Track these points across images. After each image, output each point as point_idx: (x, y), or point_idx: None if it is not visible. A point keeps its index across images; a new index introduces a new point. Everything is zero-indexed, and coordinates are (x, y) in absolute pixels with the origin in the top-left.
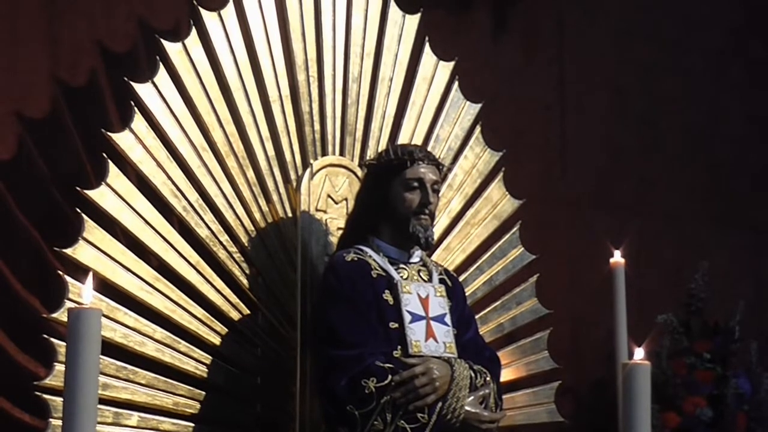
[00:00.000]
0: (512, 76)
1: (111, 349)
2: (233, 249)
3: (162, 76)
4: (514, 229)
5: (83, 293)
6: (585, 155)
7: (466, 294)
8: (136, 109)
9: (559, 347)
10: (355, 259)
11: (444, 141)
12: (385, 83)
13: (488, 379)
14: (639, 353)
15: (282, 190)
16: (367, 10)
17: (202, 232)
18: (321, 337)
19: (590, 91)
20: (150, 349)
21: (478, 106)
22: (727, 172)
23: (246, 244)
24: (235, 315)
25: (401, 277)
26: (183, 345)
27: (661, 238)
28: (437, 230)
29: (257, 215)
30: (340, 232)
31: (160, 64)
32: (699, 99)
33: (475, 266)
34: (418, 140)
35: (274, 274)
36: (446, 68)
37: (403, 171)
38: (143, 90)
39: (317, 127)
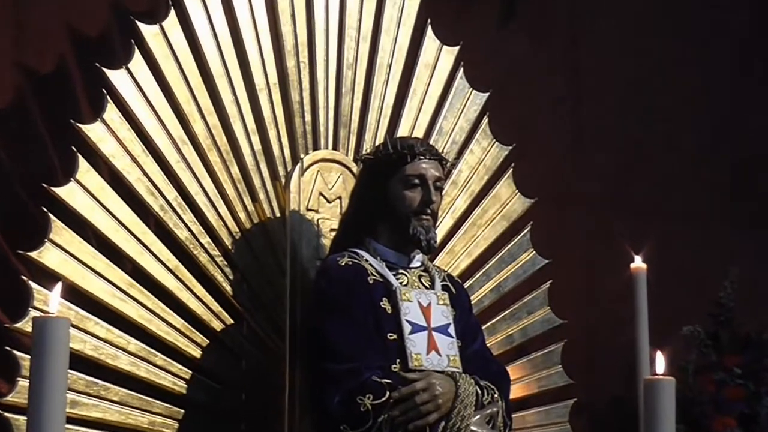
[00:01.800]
0: (522, 64)
1: (80, 362)
2: (215, 252)
3: (137, 62)
4: (525, 230)
5: (50, 301)
6: (601, 151)
7: (472, 302)
8: (108, 98)
9: (574, 361)
10: (350, 263)
11: (448, 134)
12: (383, 70)
13: (496, 395)
14: (662, 368)
15: (269, 187)
16: None
17: (182, 233)
18: (312, 349)
19: (606, 82)
20: (123, 362)
21: (486, 95)
22: (755, 169)
23: (230, 247)
24: (217, 325)
25: (400, 283)
26: (160, 358)
27: (686, 242)
28: (440, 232)
29: (242, 215)
30: (333, 233)
31: (136, 48)
32: (722, 91)
33: (481, 272)
34: (419, 133)
35: (261, 280)
36: (450, 54)
37: (402, 167)
38: (116, 77)
39: (308, 118)
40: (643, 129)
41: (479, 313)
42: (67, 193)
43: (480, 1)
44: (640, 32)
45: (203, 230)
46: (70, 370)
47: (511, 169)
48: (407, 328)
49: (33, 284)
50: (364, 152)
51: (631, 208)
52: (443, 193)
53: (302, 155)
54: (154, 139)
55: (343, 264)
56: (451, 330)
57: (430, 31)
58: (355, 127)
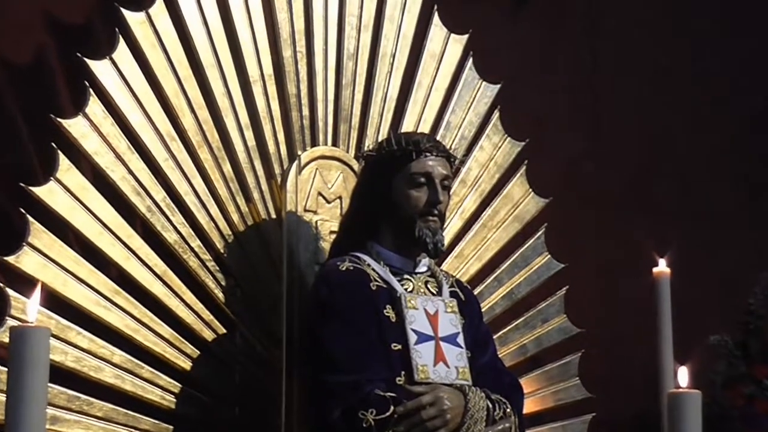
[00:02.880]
0: (536, 53)
1: (61, 375)
2: (206, 256)
3: (122, 52)
4: (539, 232)
5: (28, 309)
6: (621, 146)
7: (483, 310)
8: (91, 90)
9: (593, 373)
10: (351, 268)
11: (456, 128)
12: (386, 60)
13: (508, 410)
14: (687, 380)
15: (264, 186)
16: None
17: (170, 236)
18: (310, 360)
19: (626, 72)
20: (108, 375)
21: (497, 87)
22: None
23: (222, 251)
24: (208, 335)
25: (405, 289)
26: (147, 370)
27: (712, 244)
28: (448, 234)
29: (235, 216)
30: (333, 236)
31: (120, 37)
32: (754, 82)
33: (492, 277)
34: (425, 128)
35: (255, 286)
36: (458, 43)
37: (407, 164)
38: (100, 68)
39: (306, 112)
40: (666, 123)
41: (490, 321)
42: (47, 193)
43: None
44: (664, 18)
45: (193, 233)
46: (50, 384)
47: (525, 167)
48: (413, 337)
49: (10, 291)
50: (366, 149)
51: (653, 207)
52: (451, 193)
53: (299, 152)
54: (140, 135)
55: (343, 269)
56: (460, 340)
57: (436, 18)
58: (356, 121)
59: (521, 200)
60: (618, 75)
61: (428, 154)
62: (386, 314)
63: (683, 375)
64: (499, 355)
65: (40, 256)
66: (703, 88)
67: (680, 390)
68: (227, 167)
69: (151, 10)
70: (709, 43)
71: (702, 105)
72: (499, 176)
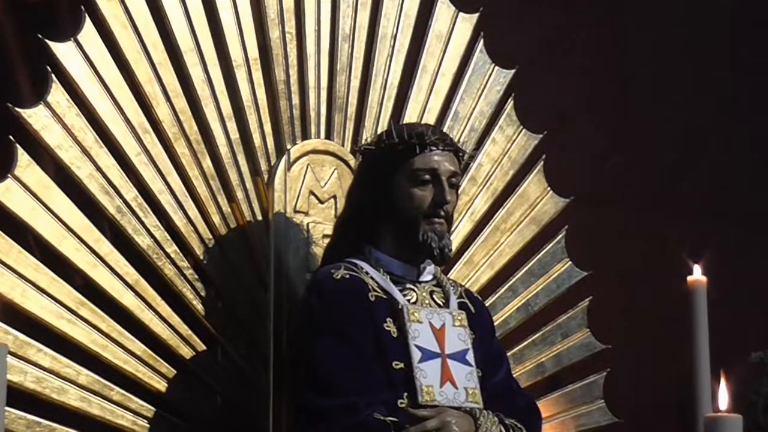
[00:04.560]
0: (555, 35)
1: (20, 398)
2: (184, 264)
3: (88, 33)
4: (559, 236)
5: None
6: (651, 140)
7: (495, 323)
8: (53, 76)
9: (619, 394)
10: (347, 276)
11: (465, 119)
12: (386, 42)
13: None
14: (726, 403)
15: (249, 184)
16: None
17: (143, 240)
18: (302, 380)
19: (657, 56)
20: (72, 397)
21: (511, 72)
22: None
23: (201, 257)
24: (186, 352)
25: (408, 300)
26: (116, 392)
27: (753, 249)
28: (456, 238)
29: (216, 218)
30: (327, 240)
31: (86, 16)
32: None
33: (506, 286)
34: (430, 119)
35: (239, 297)
36: (468, 22)
37: (410, 160)
38: (63, 51)
39: (296, 101)
40: (701, 113)
41: (504, 336)
42: (4, 191)
43: None
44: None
45: (169, 237)
46: (7, 408)
47: (542, 162)
48: (416, 354)
49: None
50: (363, 142)
51: (687, 208)
52: (459, 192)
53: (288, 146)
54: (109, 127)
55: (338, 277)
56: (470, 357)
57: None
58: (352, 111)
59: (538, 200)
60: (647, 59)
61: (434, 147)
62: (386, 328)
63: (722, 397)
64: (514, 375)
65: None
66: (741, 74)
67: (719, 414)
68: (207, 163)
69: None
70: (750, 24)
71: (740, 93)
72: (514, 173)
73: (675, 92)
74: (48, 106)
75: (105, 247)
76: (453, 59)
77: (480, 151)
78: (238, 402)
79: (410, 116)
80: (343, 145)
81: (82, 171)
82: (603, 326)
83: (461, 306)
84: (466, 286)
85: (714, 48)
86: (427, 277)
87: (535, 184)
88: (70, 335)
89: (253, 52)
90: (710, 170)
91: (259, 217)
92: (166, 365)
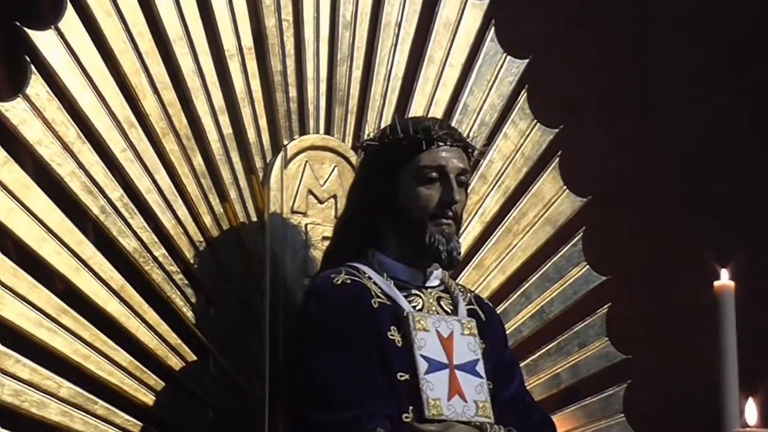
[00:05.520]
0: (572, 22)
1: None
2: (173, 268)
3: (70, 21)
4: (576, 238)
5: None
6: (674, 135)
7: (508, 331)
8: (33, 67)
9: (641, 408)
10: (348, 282)
11: (475, 113)
12: (389, 30)
13: None
14: (755, 418)
15: (243, 183)
16: None
17: (129, 243)
18: (300, 393)
19: (683, 46)
20: (53, 411)
21: (524, 62)
22: None
23: (191, 261)
24: (175, 362)
25: (414, 307)
26: (100, 406)
27: None
28: (465, 241)
29: (207, 219)
30: (327, 243)
31: (68, 2)
32: None
33: (519, 292)
34: (437, 112)
35: (233, 304)
36: (478, 9)
37: (416, 156)
38: (43, 40)
39: (293, 93)
40: (730, 107)
41: (517, 345)
42: None
43: None
44: None
45: (157, 240)
46: None
47: (558, 159)
48: (423, 365)
49: None
50: (365, 137)
51: (713, 208)
52: (469, 191)
53: (285, 141)
54: (93, 121)
55: (339, 282)
56: (480, 368)
57: None
58: (354, 104)
59: (554, 199)
60: (672, 47)
61: (441, 143)
62: (391, 337)
63: (751, 411)
64: (528, 387)
65: None
66: None
67: (747, 429)
68: (198, 160)
69: None
70: None
71: None
72: (527, 170)
73: (702, 84)
74: (27, 99)
75: (88, 250)
76: (462, 48)
77: (491, 146)
78: (231, 416)
79: (416, 110)
80: (343, 141)
81: (64, 168)
82: (623, 335)
83: (471, 313)
84: (476, 291)
85: (746, 34)
86: (434, 282)
87: (550, 182)
88: (51, 345)
89: (248, 40)
90: (738, 168)
91: (254, 218)
92: (154, 377)
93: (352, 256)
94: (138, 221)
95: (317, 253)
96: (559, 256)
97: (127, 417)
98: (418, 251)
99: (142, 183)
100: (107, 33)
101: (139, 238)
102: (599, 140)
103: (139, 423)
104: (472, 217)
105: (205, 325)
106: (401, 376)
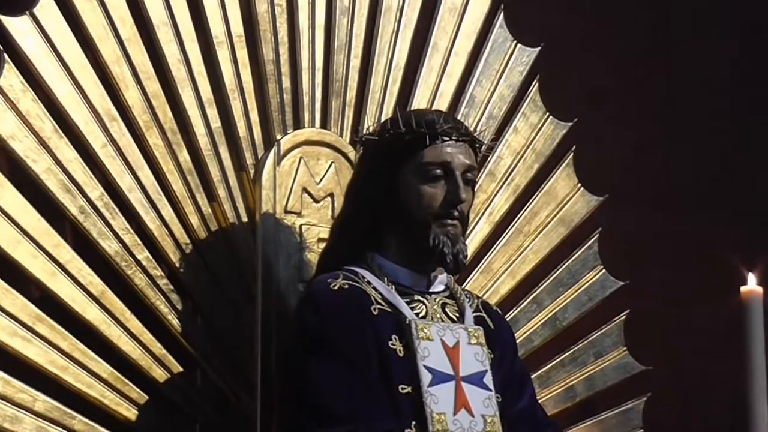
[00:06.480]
0: (588, 8)
1: None
2: (157, 272)
3: (46, 6)
4: (591, 240)
5: None
6: (699, 130)
7: (518, 341)
8: (6, 56)
9: (661, 422)
10: (346, 287)
11: (482, 105)
12: (390, 16)
13: None
14: None
15: (233, 181)
16: None
17: (110, 246)
18: (294, 406)
19: (710, 31)
20: (28, 427)
21: (536, 51)
22: None
23: (177, 265)
24: (159, 374)
25: (417, 314)
26: (79, 421)
27: None
28: (472, 243)
29: (194, 220)
30: (323, 245)
31: None
32: None
33: (530, 298)
34: (442, 105)
35: (221, 311)
36: None
37: (419, 152)
38: (17, 26)
39: (286, 83)
40: (758, 100)
41: (527, 356)
42: None
43: None
44: None
45: (140, 242)
46: None
47: (572, 155)
48: (426, 377)
49: None
50: (365, 131)
51: (739, 209)
52: (476, 189)
53: (278, 136)
54: (71, 114)
55: (336, 288)
56: (488, 380)
57: None
58: (352, 96)
59: (568, 198)
60: (698, 35)
61: (446, 138)
62: (392, 347)
63: None
64: (539, 400)
65: None
66: None
67: None
68: (184, 156)
69: None
70: None
71: None
72: (539, 167)
73: (730, 74)
74: None
75: (66, 253)
76: (468, 35)
77: (500, 141)
78: (219, 431)
79: (419, 102)
80: (341, 136)
81: (39, 165)
82: (642, 344)
83: (478, 321)
84: (484, 297)
85: None
86: (438, 287)
87: (563, 179)
88: (25, 355)
89: (238, 27)
90: (764, 166)
91: (245, 219)
92: (137, 390)
93: (350, 260)
94: (120, 222)
95: (312, 257)
96: (573, 259)
97: None
98: (421, 254)
99: (124, 181)
100: (86, 19)
101: (120, 240)
102: (617, 135)
103: None
104: (480, 218)
105: (191, 333)
106: (403, 388)
